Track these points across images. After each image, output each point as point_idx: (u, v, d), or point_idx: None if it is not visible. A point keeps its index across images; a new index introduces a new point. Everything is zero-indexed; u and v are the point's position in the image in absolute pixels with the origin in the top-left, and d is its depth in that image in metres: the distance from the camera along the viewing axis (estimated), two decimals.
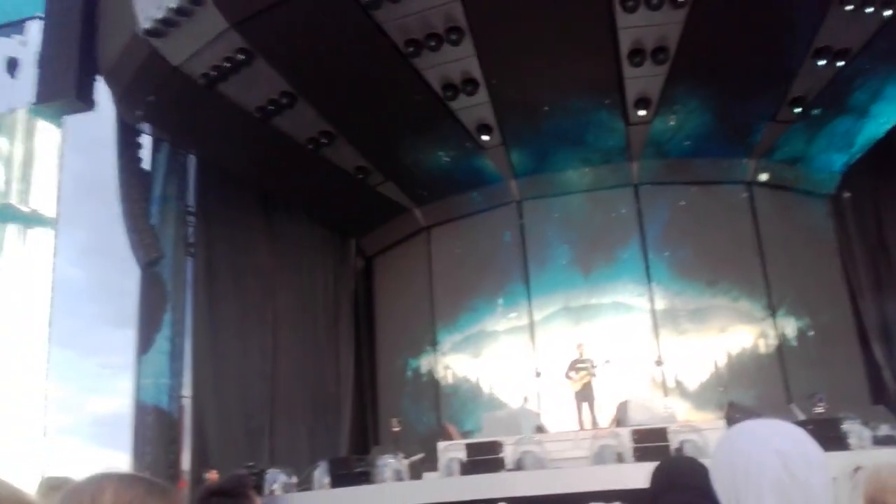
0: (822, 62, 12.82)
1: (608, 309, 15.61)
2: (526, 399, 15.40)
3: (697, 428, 10.47)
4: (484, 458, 10.47)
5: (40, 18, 16.65)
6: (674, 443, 9.99)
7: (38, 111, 17.42)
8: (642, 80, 13.27)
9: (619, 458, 10.21)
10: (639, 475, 7.89)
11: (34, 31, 17.12)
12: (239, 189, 16.93)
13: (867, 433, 9.84)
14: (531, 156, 15.54)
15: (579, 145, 14.98)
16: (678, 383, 15.10)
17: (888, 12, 11.98)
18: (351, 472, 11.46)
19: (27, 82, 16.80)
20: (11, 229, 19.52)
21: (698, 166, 15.68)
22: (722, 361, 15.13)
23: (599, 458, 10.29)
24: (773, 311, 15.39)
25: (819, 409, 11.45)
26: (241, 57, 12.58)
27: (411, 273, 17.59)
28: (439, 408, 16.47)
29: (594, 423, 12.57)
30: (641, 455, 9.90)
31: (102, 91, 15.71)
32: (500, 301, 16.28)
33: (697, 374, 15.11)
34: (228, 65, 12.74)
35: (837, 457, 7.74)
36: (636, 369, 14.87)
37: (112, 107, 16.05)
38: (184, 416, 15.82)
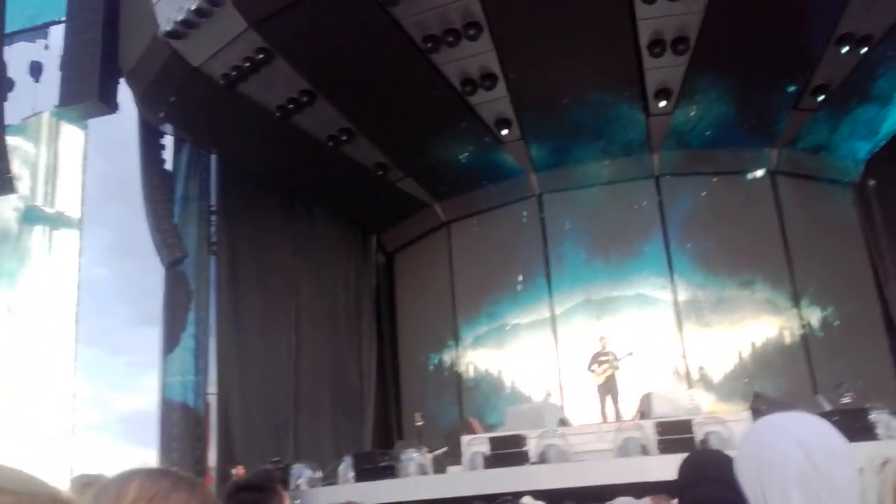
0: (844, 49, 12.65)
1: (630, 302, 15.56)
2: (549, 393, 15.40)
3: (722, 419, 10.41)
4: (507, 452, 10.49)
5: (63, 22, 16.84)
6: (699, 435, 9.94)
7: (62, 114, 17.63)
8: (662, 70, 13.19)
9: (644, 451, 10.19)
10: (664, 467, 7.89)
11: (57, 35, 17.34)
12: (260, 188, 17.05)
13: (895, 423, 9.73)
14: (551, 149, 15.50)
15: (599, 138, 14.92)
16: (702, 375, 15.03)
17: None
18: (375, 467, 11.52)
19: (51, 86, 17.01)
20: (38, 231, 19.78)
21: (720, 156, 15.56)
22: (746, 352, 15.03)
23: (623, 450, 10.27)
24: (797, 301, 15.26)
25: (846, 400, 11.34)
26: (260, 56, 12.67)
27: (432, 268, 17.63)
28: (462, 402, 16.51)
29: (618, 416, 12.54)
30: (666, 447, 9.87)
31: (125, 93, 15.90)
32: (519, 279, 16.26)
33: (722, 365, 15.02)
34: (248, 65, 12.84)
35: (865, 447, 7.67)
36: (659, 361, 14.81)
37: (134, 108, 16.23)
38: (209, 412, 15.99)
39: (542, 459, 10.35)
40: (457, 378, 16.85)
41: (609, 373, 12.83)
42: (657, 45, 12.53)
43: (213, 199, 17.29)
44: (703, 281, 15.44)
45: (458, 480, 10.59)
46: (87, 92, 15.53)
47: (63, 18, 16.91)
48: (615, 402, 12.77)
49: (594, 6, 11.88)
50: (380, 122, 14.45)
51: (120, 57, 15.35)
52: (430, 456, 11.62)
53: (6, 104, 15.74)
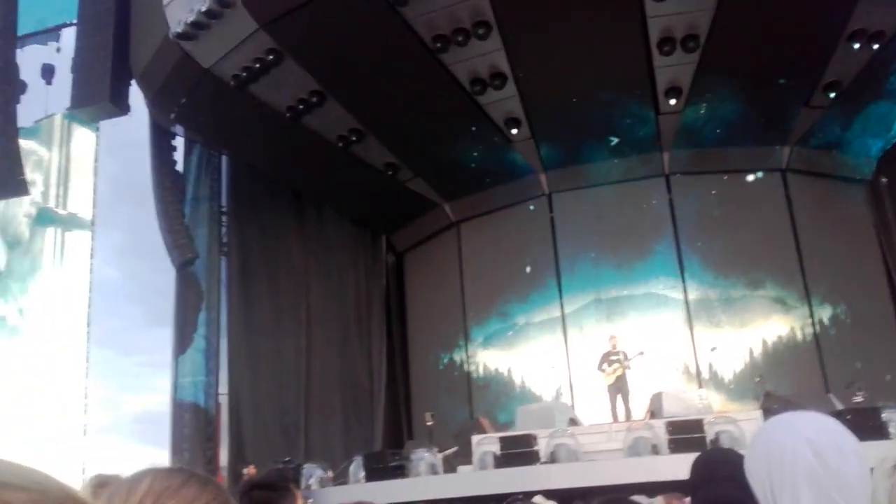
0: (856, 46, 12.57)
1: (641, 301, 15.52)
2: (559, 392, 15.38)
3: (733, 419, 10.37)
4: (518, 452, 10.49)
5: (74, 25, 16.95)
6: (709, 434, 9.91)
7: (74, 116, 17.77)
8: (673, 68, 13.15)
9: (654, 450, 10.16)
10: (674, 467, 7.87)
11: (69, 37, 17.45)
12: (271, 188, 17.12)
13: None
14: (560, 148, 15.48)
15: (609, 136, 14.89)
16: (713, 374, 14.97)
17: None
18: (386, 466, 11.54)
19: (63, 88, 17.13)
20: (50, 232, 19.92)
21: (731, 155, 15.50)
22: (758, 351, 14.96)
23: (634, 450, 10.25)
24: (809, 299, 15.18)
25: (858, 398, 11.27)
26: (270, 57, 12.72)
27: (442, 268, 17.64)
28: (472, 402, 16.51)
29: (628, 416, 12.52)
30: (677, 447, 9.84)
31: (136, 95, 15.99)
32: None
33: (733, 364, 14.95)
34: (258, 65, 12.89)
35: (877, 446, 7.63)
36: (670, 361, 14.77)
37: (145, 110, 16.33)
38: (220, 413, 16.07)
39: (553, 459, 10.34)
40: (467, 378, 16.85)
41: (619, 373, 12.81)
42: (667, 43, 12.49)
43: (224, 200, 17.38)
44: (714, 280, 15.39)
45: (469, 480, 10.59)
46: (98, 94, 15.63)
47: (74, 21, 17.02)
48: (626, 401, 12.75)
49: (604, 4, 11.86)
50: (389, 122, 14.47)
51: (131, 59, 15.44)
52: (440, 456, 11.63)
53: (19, 107, 15.87)
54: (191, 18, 12.29)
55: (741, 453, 2.11)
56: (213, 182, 17.21)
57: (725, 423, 10.16)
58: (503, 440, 10.86)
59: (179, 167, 17.16)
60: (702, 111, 14.27)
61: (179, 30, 12.51)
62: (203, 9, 12.07)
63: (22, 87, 16.48)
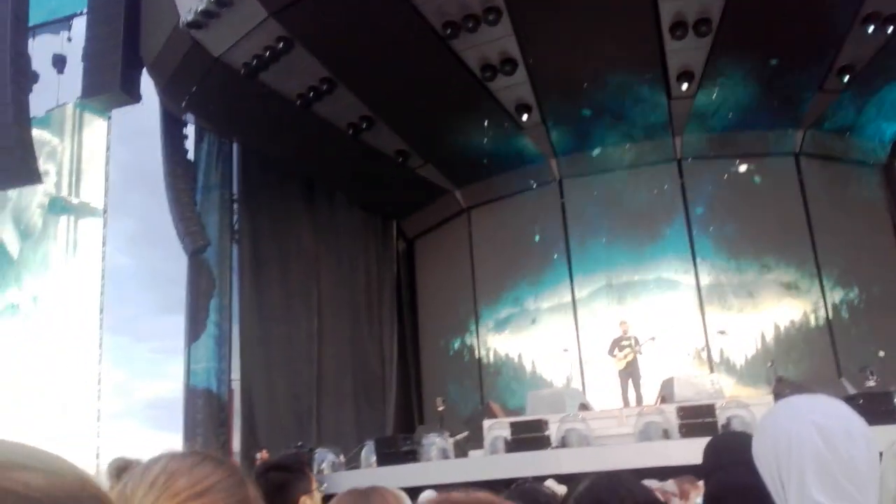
0: (870, 29, 12.43)
1: (652, 286, 15.49)
2: (570, 378, 15.40)
3: (745, 404, 10.36)
4: (529, 436, 10.52)
5: (85, 14, 16.98)
6: (721, 419, 9.90)
7: (86, 105, 17.84)
8: (685, 52, 13.05)
9: (665, 435, 10.17)
10: (685, 452, 7.87)
11: (79, 27, 17.47)
12: (281, 176, 17.15)
13: None
14: (571, 134, 15.42)
15: (621, 121, 14.82)
16: (725, 359, 14.95)
17: None
18: (397, 451, 11.61)
19: (74, 77, 17.18)
20: (63, 221, 20.04)
21: (744, 139, 15.39)
22: (770, 336, 14.92)
23: (645, 434, 10.26)
24: (821, 283, 15.11)
25: (871, 383, 11.23)
26: (280, 45, 12.72)
27: (453, 254, 17.65)
28: (483, 387, 16.57)
29: (639, 401, 12.52)
30: (688, 431, 9.85)
31: (147, 83, 16.03)
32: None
33: (745, 349, 14.92)
34: (268, 53, 12.89)
35: (889, 431, 7.61)
36: (681, 345, 14.75)
37: (156, 98, 16.37)
38: (233, 398, 16.19)
39: (564, 444, 10.37)
40: (478, 363, 16.90)
41: (630, 358, 12.81)
42: (679, 27, 12.39)
43: (235, 188, 17.44)
44: (726, 265, 15.33)
45: (480, 464, 10.64)
46: (109, 83, 15.68)
47: (85, 11, 17.05)
48: (637, 386, 12.75)
49: None
50: (399, 109, 14.45)
51: (142, 48, 15.47)
52: (451, 440, 11.68)
53: (31, 97, 15.94)
54: (201, 7, 12.29)
55: (750, 435, 2.10)
56: (223, 170, 17.26)
57: (737, 407, 10.14)
58: (514, 425, 10.90)
59: (191, 155, 17.22)
60: (714, 95, 14.17)
61: (190, 18, 12.52)
62: None
63: (34, 77, 16.54)
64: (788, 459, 1.39)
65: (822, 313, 15.02)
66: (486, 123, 14.83)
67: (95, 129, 19.75)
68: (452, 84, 13.58)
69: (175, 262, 17.16)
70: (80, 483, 0.62)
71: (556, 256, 16.26)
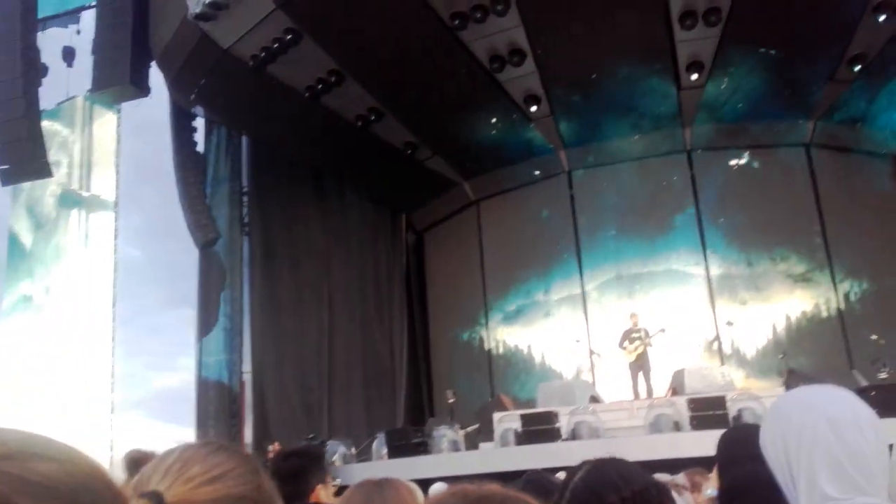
0: (882, 17, 12.31)
1: (662, 278, 15.45)
2: (579, 370, 15.40)
3: (756, 396, 10.34)
4: (539, 429, 10.54)
5: (93, 7, 17.01)
6: (732, 411, 9.88)
7: (95, 98, 17.89)
8: (694, 42, 12.97)
9: (676, 427, 10.16)
10: (696, 444, 7.86)
11: (89, 19, 17.51)
12: (291, 168, 17.18)
13: None
14: (580, 125, 15.37)
15: (630, 112, 14.75)
16: (735, 350, 14.91)
17: None
18: (408, 443, 11.65)
19: (84, 70, 17.24)
20: (74, 214, 20.15)
21: (754, 130, 15.31)
22: (781, 327, 14.87)
23: (656, 427, 10.26)
24: (833, 275, 15.03)
25: (883, 375, 11.19)
26: (288, 37, 12.71)
27: (462, 246, 17.66)
28: (493, 379, 16.59)
29: (650, 393, 12.52)
30: (699, 423, 9.84)
31: (156, 76, 16.06)
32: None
33: (756, 341, 14.88)
34: (277, 45, 12.88)
35: None
36: (692, 337, 14.73)
37: (166, 91, 16.40)
38: (245, 390, 16.27)
39: (574, 436, 10.39)
40: (487, 355, 16.92)
41: (640, 350, 12.79)
42: (689, 17, 12.30)
43: (245, 181, 17.48)
44: (737, 256, 15.28)
45: (490, 457, 10.66)
46: (119, 76, 15.73)
47: (93, 3, 17.08)
48: (647, 378, 12.73)
49: None
50: (408, 101, 14.43)
51: (150, 40, 15.50)
52: (462, 432, 11.71)
53: (41, 90, 15.99)
54: None
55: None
56: (233, 162, 17.31)
57: (748, 399, 10.13)
58: (524, 417, 10.92)
59: (200, 148, 17.26)
60: (724, 86, 14.09)
61: (198, 10, 12.52)
62: None
63: (43, 70, 16.59)
64: (798, 451, 1.38)
65: (833, 305, 14.95)
66: (494, 115, 14.80)
67: (105, 122, 19.83)
68: (461, 75, 13.55)
69: (186, 255, 17.24)
70: (94, 472, 0.64)
71: (565, 248, 16.24)
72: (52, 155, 16.59)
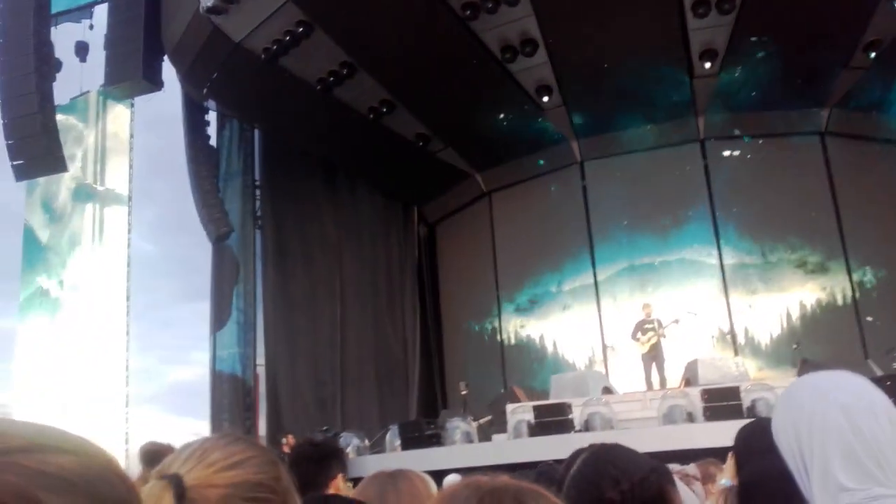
0: None
1: (675, 268, 15.39)
2: (592, 360, 15.38)
3: (770, 386, 10.29)
4: (552, 420, 10.54)
5: (106, 2, 17.06)
6: (746, 401, 9.84)
7: (109, 93, 17.96)
8: (707, 31, 12.88)
9: (690, 418, 10.13)
10: (710, 435, 7.84)
11: (101, 14, 17.57)
12: (303, 162, 17.20)
13: None
14: (593, 115, 15.30)
15: (642, 102, 14.66)
16: (749, 341, 14.84)
17: None
18: (422, 435, 11.68)
19: (97, 65, 17.31)
20: (89, 208, 20.26)
21: (768, 118, 15.19)
22: (795, 318, 14.79)
23: (669, 417, 10.23)
24: (848, 264, 14.92)
25: None
26: (300, 30, 12.71)
27: (474, 238, 17.65)
28: (505, 371, 16.60)
29: (663, 384, 12.48)
30: (712, 414, 9.80)
31: (169, 70, 16.11)
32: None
33: (769, 330, 14.80)
34: (288, 38, 12.89)
35: None
36: (705, 328, 14.67)
37: (178, 85, 16.44)
38: (258, 384, 16.34)
39: (587, 427, 10.38)
40: (500, 347, 16.93)
41: (654, 341, 12.75)
42: (702, 5, 12.21)
43: (257, 174, 17.51)
44: (750, 246, 15.19)
45: (504, 448, 10.68)
46: (131, 70, 15.78)
47: None
48: (660, 369, 12.70)
49: None
50: (420, 92, 14.41)
51: (163, 34, 15.54)
52: (475, 424, 11.73)
53: (55, 84, 16.08)
54: None
55: None
56: (246, 156, 17.34)
57: (762, 390, 10.08)
58: (537, 409, 10.92)
59: (213, 142, 17.30)
60: (737, 74, 13.98)
61: (210, 4, 12.53)
62: None
63: (57, 65, 16.67)
64: (811, 440, 1.35)
65: (848, 295, 14.84)
66: (506, 106, 14.75)
67: (119, 116, 19.91)
68: (472, 66, 13.50)
69: (199, 249, 17.32)
70: (109, 464, 0.65)
71: (577, 239, 16.20)
72: (67, 150, 16.66)
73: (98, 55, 17.15)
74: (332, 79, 13.83)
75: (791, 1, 12.08)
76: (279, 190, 17.25)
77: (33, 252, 20.31)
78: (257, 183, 17.47)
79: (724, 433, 2.19)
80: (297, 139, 16.79)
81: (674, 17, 12.52)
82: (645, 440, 9.47)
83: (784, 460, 1.44)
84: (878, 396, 1.39)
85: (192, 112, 16.76)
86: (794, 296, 14.94)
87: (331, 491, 2.50)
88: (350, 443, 12.40)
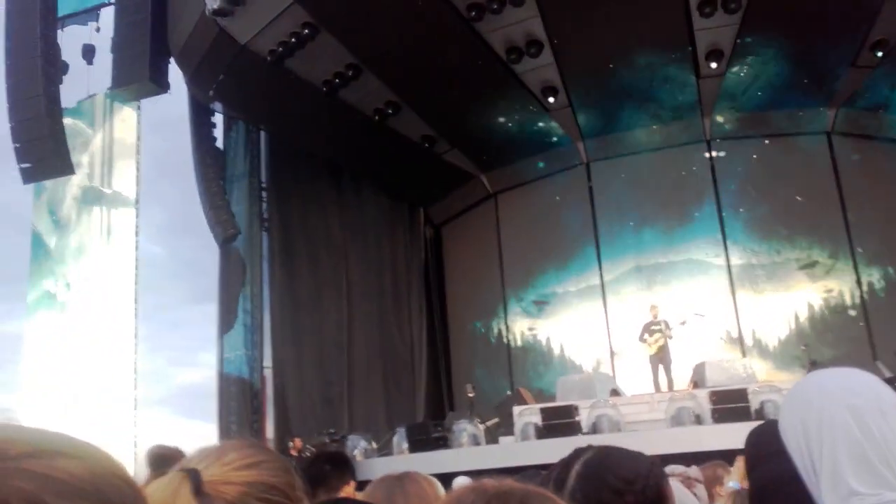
0: None
1: (682, 270, 15.37)
2: (599, 361, 15.36)
3: (778, 388, 10.25)
4: (559, 422, 10.53)
5: (112, 4, 17.12)
6: (754, 403, 9.81)
7: (115, 95, 18.01)
8: (713, 30, 12.85)
9: (698, 420, 10.11)
10: (718, 437, 7.81)
11: (108, 17, 17.61)
12: (309, 163, 17.23)
13: None
14: (598, 116, 15.29)
15: (648, 102, 14.66)
16: (757, 342, 14.80)
17: None
18: (428, 438, 11.69)
19: (104, 68, 17.35)
20: (96, 211, 20.32)
21: (774, 118, 15.16)
22: (803, 319, 14.74)
23: (677, 420, 10.21)
24: (856, 264, 14.87)
25: None
26: (305, 31, 12.74)
27: (480, 240, 17.65)
28: (512, 372, 16.59)
29: (671, 386, 12.45)
30: (721, 416, 9.78)
31: (176, 72, 16.14)
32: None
33: (777, 332, 14.76)
34: (294, 40, 12.91)
35: None
36: (713, 329, 14.63)
37: (185, 88, 16.48)
38: (266, 385, 16.35)
39: (595, 430, 10.36)
40: (506, 348, 16.93)
41: (661, 343, 12.72)
42: (708, 5, 12.18)
43: (264, 176, 17.53)
44: (758, 246, 15.15)
45: (511, 451, 10.67)
46: (138, 73, 15.81)
47: (112, 0, 17.19)
48: (668, 371, 12.67)
49: None
50: (425, 94, 14.43)
51: (169, 37, 15.58)
52: (482, 426, 11.72)
53: (62, 87, 16.13)
54: None
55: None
56: (252, 158, 17.35)
57: (770, 392, 10.05)
58: (545, 411, 10.91)
59: (220, 144, 17.32)
60: (744, 74, 13.95)
61: (215, 6, 12.56)
62: None
63: (64, 67, 16.73)
64: (820, 442, 1.32)
65: (856, 295, 14.79)
66: (512, 107, 14.75)
67: (126, 118, 19.96)
68: (478, 67, 13.51)
69: (206, 251, 17.34)
70: (116, 469, 0.65)
71: (583, 240, 16.19)
72: (74, 153, 16.71)
73: (105, 58, 17.21)
74: (337, 80, 13.86)
75: (797, 0, 12.05)
76: (285, 192, 17.29)
77: (40, 255, 20.39)
78: (264, 185, 17.49)
79: (732, 435, 2.18)
80: (303, 141, 16.82)
81: (680, 17, 12.50)
82: (653, 442, 9.45)
83: (791, 463, 1.41)
84: (888, 394, 1.35)
85: (199, 114, 16.79)
86: (802, 296, 14.90)
87: (342, 496, 2.53)
88: (357, 445, 12.42)
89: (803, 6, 12.18)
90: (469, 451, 10.97)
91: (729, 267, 15.21)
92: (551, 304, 16.50)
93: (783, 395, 9.71)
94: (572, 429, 10.44)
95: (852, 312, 14.71)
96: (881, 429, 1.30)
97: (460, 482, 4.24)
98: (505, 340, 17.00)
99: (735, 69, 13.76)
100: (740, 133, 15.42)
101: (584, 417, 10.60)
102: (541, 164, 16.51)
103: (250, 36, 13.15)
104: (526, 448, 10.43)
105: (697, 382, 11.92)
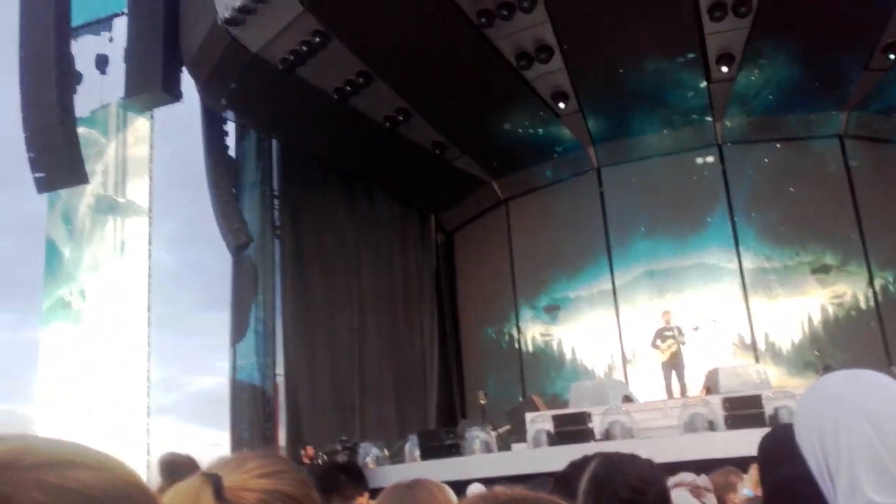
0: None
1: (694, 274, 15.29)
2: (611, 367, 15.30)
3: (792, 394, 10.16)
4: (572, 429, 10.47)
5: (125, 15, 17.25)
6: (768, 409, 9.73)
7: (128, 105, 18.12)
8: (724, 34, 12.81)
9: (711, 427, 10.04)
10: (732, 443, 7.75)
11: (121, 27, 17.76)
12: (321, 171, 17.28)
13: None
14: (609, 121, 15.26)
15: (659, 107, 14.62)
16: (770, 348, 14.70)
17: None
18: (441, 445, 11.65)
19: (117, 77, 17.47)
20: (110, 220, 20.44)
21: (786, 122, 15.09)
22: (817, 323, 14.63)
23: (690, 426, 10.14)
24: (869, 268, 14.75)
25: None
26: (316, 40, 12.80)
27: (492, 246, 17.63)
28: (524, 379, 16.55)
29: (684, 392, 12.37)
30: (734, 423, 9.70)
31: (188, 82, 16.24)
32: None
33: (791, 337, 14.66)
34: (305, 48, 12.98)
35: None
36: (726, 334, 14.55)
37: (197, 96, 16.58)
38: (278, 393, 16.36)
39: (607, 436, 10.30)
40: (518, 355, 16.88)
41: (674, 349, 12.65)
42: (718, 9, 12.16)
43: (276, 184, 17.59)
44: (770, 251, 15.07)
45: (523, 458, 10.62)
46: (151, 82, 15.92)
47: (125, 11, 17.32)
48: (681, 377, 12.59)
49: None
50: (436, 100, 14.45)
51: (181, 46, 15.68)
52: (494, 434, 11.69)
53: (75, 97, 16.26)
54: (238, 3, 12.41)
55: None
56: (264, 166, 17.42)
57: (784, 397, 9.96)
58: (557, 418, 10.86)
59: (232, 152, 17.40)
60: (755, 78, 13.90)
61: (227, 15, 12.65)
62: None
63: (78, 77, 16.87)
64: (837, 449, 1.29)
65: (870, 298, 14.67)
66: (522, 113, 14.75)
67: (139, 128, 20.09)
68: (488, 74, 13.53)
69: (219, 260, 17.41)
70: (130, 479, 0.65)
71: (595, 246, 16.14)
72: (88, 162, 16.83)
73: (118, 67, 17.34)
74: (348, 88, 13.91)
75: (808, 3, 11.99)
76: (297, 200, 17.34)
77: (56, 265, 20.52)
78: (276, 193, 17.55)
79: (746, 442, 2.16)
80: (315, 148, 16.87)
81: (690, 21, 12.47)
82: (666, 449, 9.39)
83: (805, 466, 1.38)
84: None
85: (211, 123, 16.88)
86: (815, 300, 14.79)
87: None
88: (369, 453, 12.40)
89: (814, 9, 12.13)
90: (481, 459, 10.94)
91: (742, 272, 15.13)
92: (563, 310, 16.46)
93: (797, 400, 9.62)
94: (585, 436, 10.38)
95: (866, 316, 14.59)
96: None
97: (475, 489, 4.23)
98: (517, 347, 16.96)
99: (746, 73, 13.71)
100: (752, 137, 15.35)
101: (597, 424, 10.54)
102: (549, 174, 16.50)
103: (262, 44, 13.22)
104: (538, 455, 10.38)
105: (710, 388, 11.84)
